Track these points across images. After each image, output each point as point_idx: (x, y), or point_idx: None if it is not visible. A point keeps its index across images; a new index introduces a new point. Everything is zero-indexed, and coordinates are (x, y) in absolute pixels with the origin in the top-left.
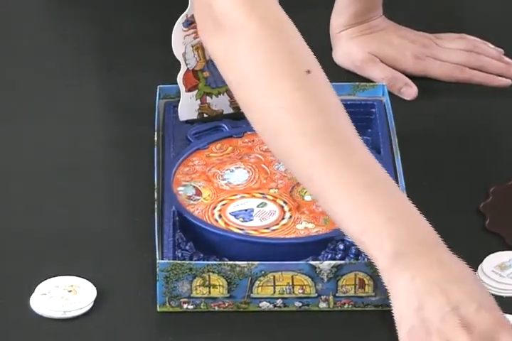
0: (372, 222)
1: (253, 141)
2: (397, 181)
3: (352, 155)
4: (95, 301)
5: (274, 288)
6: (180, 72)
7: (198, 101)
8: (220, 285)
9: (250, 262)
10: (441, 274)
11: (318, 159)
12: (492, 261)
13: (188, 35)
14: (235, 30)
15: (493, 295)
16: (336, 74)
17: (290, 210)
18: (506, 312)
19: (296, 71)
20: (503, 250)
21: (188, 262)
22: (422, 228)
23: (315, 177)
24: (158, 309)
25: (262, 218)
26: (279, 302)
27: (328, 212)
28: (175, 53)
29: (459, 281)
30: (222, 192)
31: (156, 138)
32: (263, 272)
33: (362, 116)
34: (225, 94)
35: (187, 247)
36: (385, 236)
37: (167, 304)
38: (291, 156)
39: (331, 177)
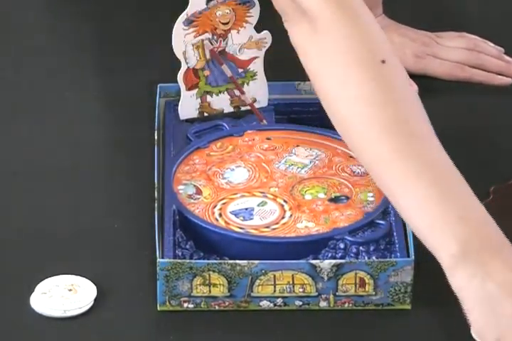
0: (441, 219)
1: (253, 139)
2: None
3: (424, 148)
4: (95, 300)
5: (275, 287)
6: (181, 70)
7: (199, 100)
8: (220, 284)
9: (250, 261)
10: (509, 277)
11: (389, 151)
12: None
13: (188, 33)
14: (312, 17)
15: None
16: None
17: (290, 209)
18: None
19: (372, 60)
20: None
21: (188, 261)
22: (490, 229)
23: (383, 170)
24: (159, 308)
25: (263, 217)
26: (279, 301)
27: (396, 207)
28: (175, 52)
29: None
30: (222, 191)
31: (156, 137)
32: (263, 271)
33: None
34: (225, 92)
35: (187, 246)
36: (452, 236)
37: (167, 303)
38: (362, 147)
39: (400, 170)
